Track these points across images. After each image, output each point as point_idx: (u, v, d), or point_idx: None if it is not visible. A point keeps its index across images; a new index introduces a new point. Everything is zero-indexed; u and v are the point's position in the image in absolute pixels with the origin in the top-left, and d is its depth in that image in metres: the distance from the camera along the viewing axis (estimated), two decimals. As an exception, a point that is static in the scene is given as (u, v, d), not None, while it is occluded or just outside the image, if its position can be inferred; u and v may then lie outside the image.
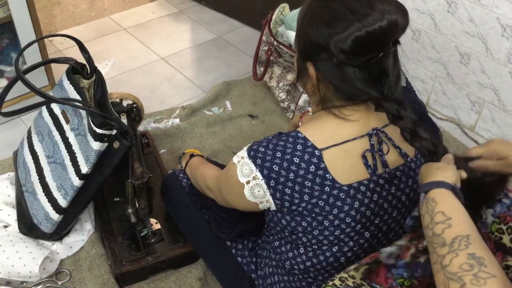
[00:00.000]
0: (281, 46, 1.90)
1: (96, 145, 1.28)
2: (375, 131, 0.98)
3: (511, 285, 0.67)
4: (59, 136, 1.43)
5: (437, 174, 0.83)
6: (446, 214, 0.76)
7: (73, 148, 1.37)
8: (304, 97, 1.91)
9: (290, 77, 2.02)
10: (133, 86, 2.22)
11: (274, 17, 1.98)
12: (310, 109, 1.53)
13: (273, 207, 1.01)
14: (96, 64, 1.47)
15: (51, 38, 2.47)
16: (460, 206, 0.78)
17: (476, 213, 0.94)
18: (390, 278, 0.94)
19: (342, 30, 0.88)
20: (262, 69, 2.08)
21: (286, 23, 1.98)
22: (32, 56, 1.88)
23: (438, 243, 0.73)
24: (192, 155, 1.50)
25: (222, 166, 1.25)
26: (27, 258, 1.38)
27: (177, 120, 2.02)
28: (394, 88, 0.93)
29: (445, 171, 0.84)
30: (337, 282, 0.88)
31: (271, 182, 0.96)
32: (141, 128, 1.92)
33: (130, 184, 1.35)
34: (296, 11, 1.98)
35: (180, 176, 1.43)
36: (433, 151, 0.90)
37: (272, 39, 1.92)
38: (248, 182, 0.99)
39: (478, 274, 0.66)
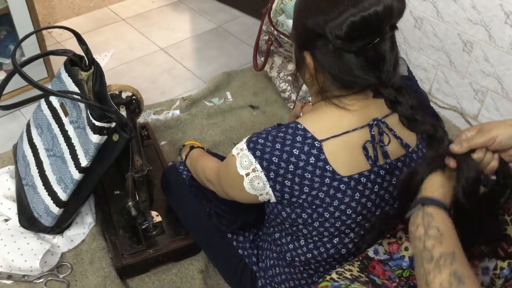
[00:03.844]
0: (281, 36, 1.87)
1: (95, 138, 1.27)
2: (375, 122, 0.97)
3: None
4: (58, 129, 1.42)
5: (438, 191, 0.83)
6: (440, 230, 0.77)
7: (73, 141, 1.36)
8: (305, 87, 1.90)
9: (291, 67, 2.00)
10: (132, 77, 2.21)
11: (274, 6, 1.96)
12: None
13: (273, 199, 1.00)
14: (95, 55, 1.46)
15: (49, 30, 2.45)
16: (452, 225, 0.80)
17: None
18: (387, 270, 0.94)
19: (337, 15, 0.86)
20: (262, 59, 2.06)
21: (287, 12, 1.96)
22: (30, 48, 1.87)
23: (427, 257, 0.75)
24: (192, 147, 1.49)
25: (222, 158, 1.24)
26: (28, 254, 1.38)
27: (177, 112, 2.01)
28: (392, 73, 0.91)
29: (445, 190, 0.83)
30: (334, 275, 0.88)
31: (270, 174, 0.95)
32: (141, 119, 1.91)
33: (130, 177, 1.34)
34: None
35: (181, 168, 1.43)
36: (433, 135, 0.88)
37: (272, 28, 1.90)
38: (247, 174, 0.98)
39: None
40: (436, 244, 0.76)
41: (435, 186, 0.84)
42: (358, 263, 0.95)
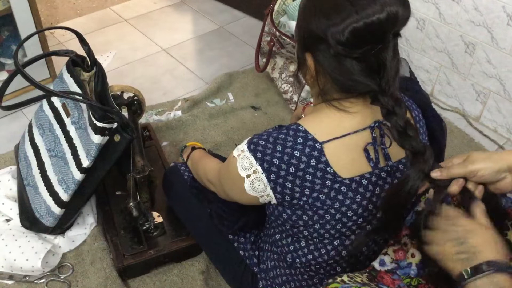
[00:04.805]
0: (283, 37, 1.87)
1: (97, 139, 1.27)
2: (377, 124, 0.96)
3: None
4: (60, 130, 1.42)
5: (498, 251, 0.74)
6: None
7: (74, 141, 1.36)
8: (307, 88, 1.90)
9: (293, 68, 2.00)
10: (134, 78, 2.21)
11: (276, 7, 1.96)
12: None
13: (274, 201, 1.00)
14: (97, 56, 1.46)
15: (52, 30, 2.46)
16: None
17: None
18: (396, 279, 0.93)
19: (340, 21, 0.86)
20: (264, 60, 2.06)
21: (289, 13, 1.96)
22: (32, 48, 1.87)
23: None
24: (193, 148, 1.49)
25: (223, 159, 1.24)
26: (29, 253, 1.38)
27: (179, 112, 2.01)
28: (392, 82, 0.91)
29: (502, 246, 0.75)
30: (345, 278, 0.87)
31: (271, 176, 0.95)
32: (142, 120, 1.91)
33: (131, 178, 1.34)
34: (298, 1, 1.96)
35: (182, 169, 1.43)
36: (421, 152, 0.88)
37: (274, 29, 1.90)
38: (248, 176, 0.98)
39: None
40: None
41: (492, 244, 0.75)
42: (366, 274, 0.95)
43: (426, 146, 0.88)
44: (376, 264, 0.96)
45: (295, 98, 1.97)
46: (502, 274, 0.70)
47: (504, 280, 0.69)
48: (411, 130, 0.89)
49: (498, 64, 1.83)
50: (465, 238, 0.77)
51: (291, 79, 2.00)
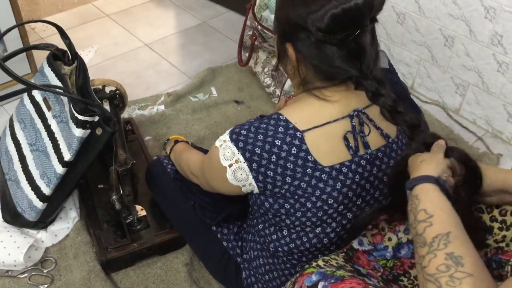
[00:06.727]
0: (265, 31, 1.88)
1: (78, 132, 1.27)
2: (356, 112, 0.98)
3: (489, 280, 0.66)
4: (41, 124, 1.42)
5: (420, 168, 0.81)
6: (428, 212, 0.74)
7: (56, 135, 1.36)
8: (290, 82, 1.91)
9: (275, 62, 2.01)
10: (117, 73, 2.20)
11: (258, 1, 1.96)
12: (294, 93, 1.53)
13: (256, 190, 1.01)
14: (79, 51, 1.46)
15: (33, 26, 2.43)
16: (443, 201, 0.76)
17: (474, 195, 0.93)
18: (372, 261, 0.95)
19: (319, 8, 0.88)
20: (247, 54, 2.07)
21: (270, 7, 1.96)
22: (13, 44, 1.85)
23: (420, 242, 0.72)
24: (176, 141, 1.49)
25: (206, 152, 1.25)
26: (11, 247, 1.37)
27: (162, 107, 2.01)
28: (373, 66, 0.93)
29: (429, 163, 0.82)
30: (320, 262, 0.89)
31: (253, 165, 0.96)
32: (125, 115, 1.91)
33: (114, 171, 1.34)
34: (280, -5, 1.96)
35: (165, 162, 1.43)
36: (416, 125, 0.90)
37: (256, 23, 1.91)
38: (230, 166, 0.99)
39: (454, 275, 0.65)
40: (427, 227, 0.72)
41: (416, 164, 0.83)
42: (343, 254, 0.97)
43: (420, 118, 0.91)
44: (354, 243, 0.98)
45: (278, 92, 1.98)
46: (418, 187, 0.80)
47: (418, 192, 0.79)
48: (401, 107, 0.91)
49: (476, 57, 1.86)
50: (412, 162, 0.87)
51: (273, 73, 2.01)
